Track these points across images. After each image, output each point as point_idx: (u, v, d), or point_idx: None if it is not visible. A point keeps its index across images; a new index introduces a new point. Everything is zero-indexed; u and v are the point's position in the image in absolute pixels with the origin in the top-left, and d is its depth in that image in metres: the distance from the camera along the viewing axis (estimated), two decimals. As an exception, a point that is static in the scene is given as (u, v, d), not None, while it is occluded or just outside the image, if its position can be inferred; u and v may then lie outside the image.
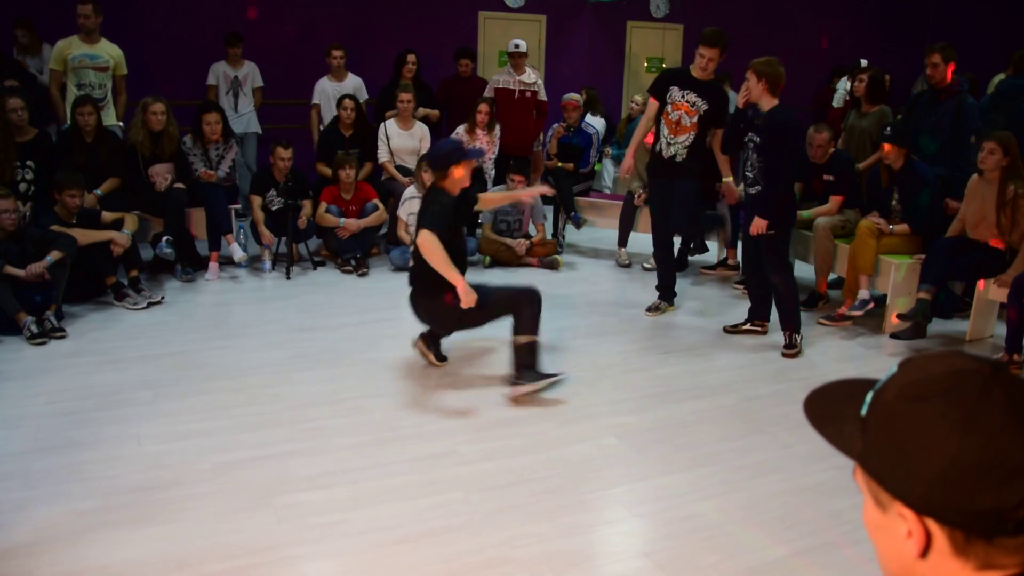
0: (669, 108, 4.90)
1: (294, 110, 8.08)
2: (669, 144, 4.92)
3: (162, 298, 5.13)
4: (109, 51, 6.01)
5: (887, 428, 0.75)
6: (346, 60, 7.05)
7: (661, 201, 5.09)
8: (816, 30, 10.27)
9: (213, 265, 5.72)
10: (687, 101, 4.84)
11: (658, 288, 5.31)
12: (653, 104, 5.00)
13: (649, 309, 5.27)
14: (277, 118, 7.76)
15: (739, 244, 6.31)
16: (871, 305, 5.01)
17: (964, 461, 0.69)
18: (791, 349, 4.50)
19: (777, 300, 4.57)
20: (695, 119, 4.83)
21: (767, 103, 4.31)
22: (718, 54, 4.74)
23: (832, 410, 0.84)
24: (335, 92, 6.87)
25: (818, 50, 9.81)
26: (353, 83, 7.08)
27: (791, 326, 4.52)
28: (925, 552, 0.74)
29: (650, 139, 5.22)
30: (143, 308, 4.95)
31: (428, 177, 6.02)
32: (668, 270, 5.30)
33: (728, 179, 5.17)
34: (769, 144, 4.31)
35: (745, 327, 4.82)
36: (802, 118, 4.50)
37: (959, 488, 0.69)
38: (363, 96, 7.06)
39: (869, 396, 0.79)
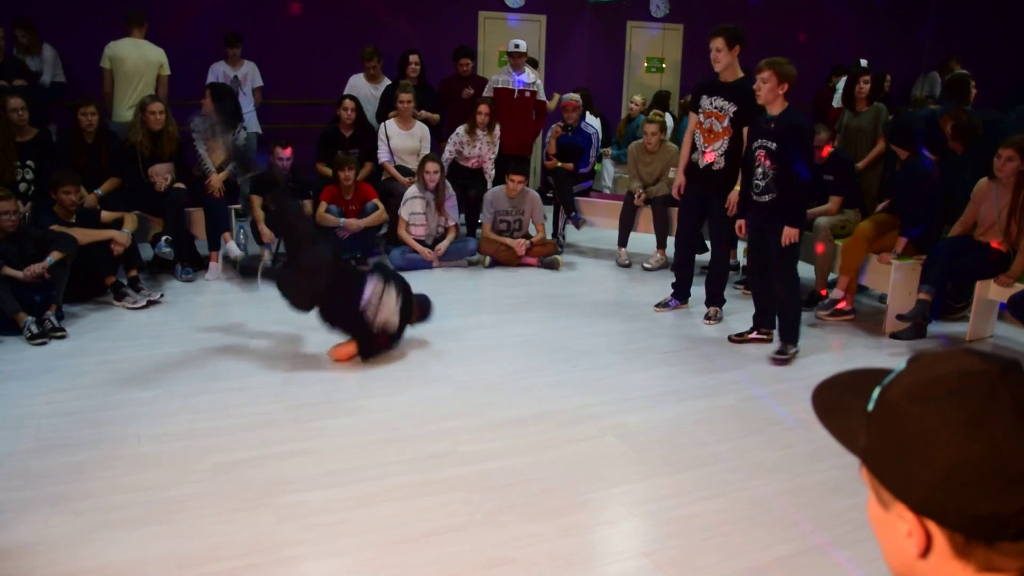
0: (702, 117, 4.85)
1: (294, 110, 8.09)
2: (704, 152, 4.85)
3: (161, 296, 5.13)
4: None
5: (890, 428, 0.74)
6: (381, 64, 7.12)
7: (693, 206, 5.04)
8: (816, 30, 10.27)
9: (213, 265, 5.72)
10: (715, 107, 4.77)
11: (674, 286, 5.31)
12: (693, 118, 4.96)
13: (659, 305, 5.28)
14: (277, 118, 7.76)
15: (738, 244, 6.33)
16: (840, 305, 5.01)
17: (965, 466, 0.68)
18: (782, 355, 4.39)
19: (781, 309, 4.47)
20: (725, 123, 4.74)
21: (779, 106, 4.20)
22: (724, 43, 4.63)
23: (839, 402, 0.83)
24: (370, 93, 6.92)
25: (818, 50, 9.79)
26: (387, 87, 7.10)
27: (790, 336, 4.44)
28: (925, 552, 0.74)
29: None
30: (142, 307, 4.95)
31: (431, 177, 6.06)
32: (687, 272, 5.26)
33: (739, 188, 4.85)
34: (786, 149, 4.17)
35: (751, 336, 4.69)
36: (805, 118, 4.40)
37: (959, 493, 0.69)
38: None
39: (876, 391, 0.78)
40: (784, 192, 4.24)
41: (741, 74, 4.73)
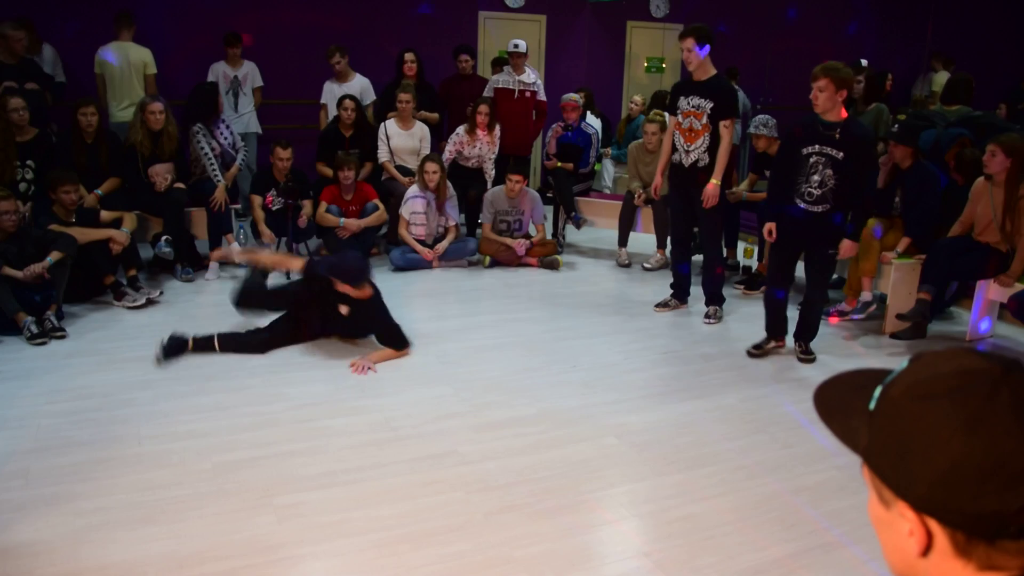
0: (680, 118, 4.89)
1: (294, 110, 8.09)
2: (687, 152, 4.87)
3: (160, 293, 5.14)
4: None
5: (892, 425, 0.74)
6: (348, 60, 7.02)
7: (682, 205, 5.06)
8: (816, 30, 10.27)
9: (213, 265, 5.72)
10: (692, 106, 4.81)
11: (673, 287, 5.32)
12: (672, 120, 5.01)
13: (659, 305, 5.28)
14: (277, 118, 7.76)
15: (737, 244, 6.34)
16: (872, 308, 5.00)
17: (966, 464, 0.68)
18: (808, 355, 4.45)
19: (808, 311, 4.46)
20: (704, 120, 4.79)
21: (839, 114, 4.03)
22: (693, 43, 4.68)
23: (841, 402, 0.83)
24: (341, 93, 6.88)
25: (818, 50, 9.80)
26: (360, 84, 7.06)
27: (811, 337, 4.49)
28: (926, 551, 0.73)
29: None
30: (142, 305, 4.94)
31: (431, 177, 6.05)
32: (685, 271, 5.28)
33: (716, 181, 4.77)
34: (853, 160, 4.01)
35: (770, 347, 4.55)
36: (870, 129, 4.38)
37: (960, 490, 0.69)
38: (370, 97, 7.06)
39: (878, 390, 0.78)
40: (843, 204, 4.12)
41: (713, 71, 4.80)
